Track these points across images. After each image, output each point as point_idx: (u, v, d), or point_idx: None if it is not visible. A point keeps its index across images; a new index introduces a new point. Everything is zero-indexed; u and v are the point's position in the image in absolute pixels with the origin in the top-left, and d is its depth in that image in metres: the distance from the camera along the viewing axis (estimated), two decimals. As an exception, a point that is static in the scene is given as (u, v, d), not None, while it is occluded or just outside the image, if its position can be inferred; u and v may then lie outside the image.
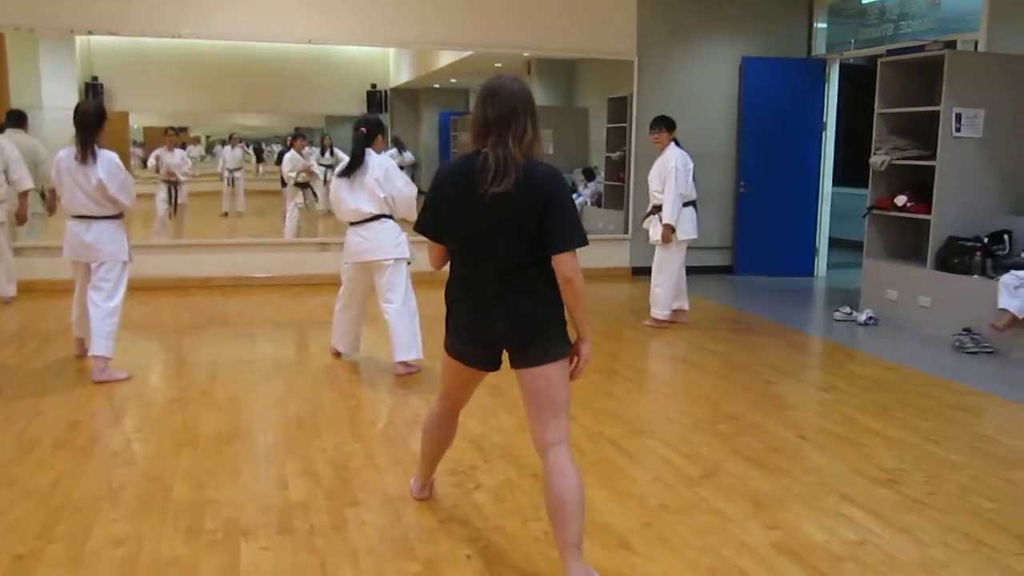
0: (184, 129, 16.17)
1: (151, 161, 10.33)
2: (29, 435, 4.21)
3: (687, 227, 6.87)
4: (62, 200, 5.22)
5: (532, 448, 2.88)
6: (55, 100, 12.23)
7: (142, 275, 7.75)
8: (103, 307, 5.17)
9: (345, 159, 5.49)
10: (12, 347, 5.95)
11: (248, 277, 8.62)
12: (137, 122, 12.80)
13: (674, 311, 7.00)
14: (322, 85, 10.84)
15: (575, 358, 2.84)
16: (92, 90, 12.16)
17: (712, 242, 9.36)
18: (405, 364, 5.38)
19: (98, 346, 5.13)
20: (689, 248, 7.02)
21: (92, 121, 5.03)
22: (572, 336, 2.82)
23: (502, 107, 2.68)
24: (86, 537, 3.13)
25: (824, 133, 9.68)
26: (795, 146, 9.63)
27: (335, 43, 9.22)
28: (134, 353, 5.86)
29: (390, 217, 5.35)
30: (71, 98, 12.11)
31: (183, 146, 11.43)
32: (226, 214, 11.30)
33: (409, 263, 5.46)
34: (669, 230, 6.77)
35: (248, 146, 12.26)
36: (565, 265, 2.68)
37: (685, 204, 6.82)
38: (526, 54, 9.78)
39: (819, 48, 9.69)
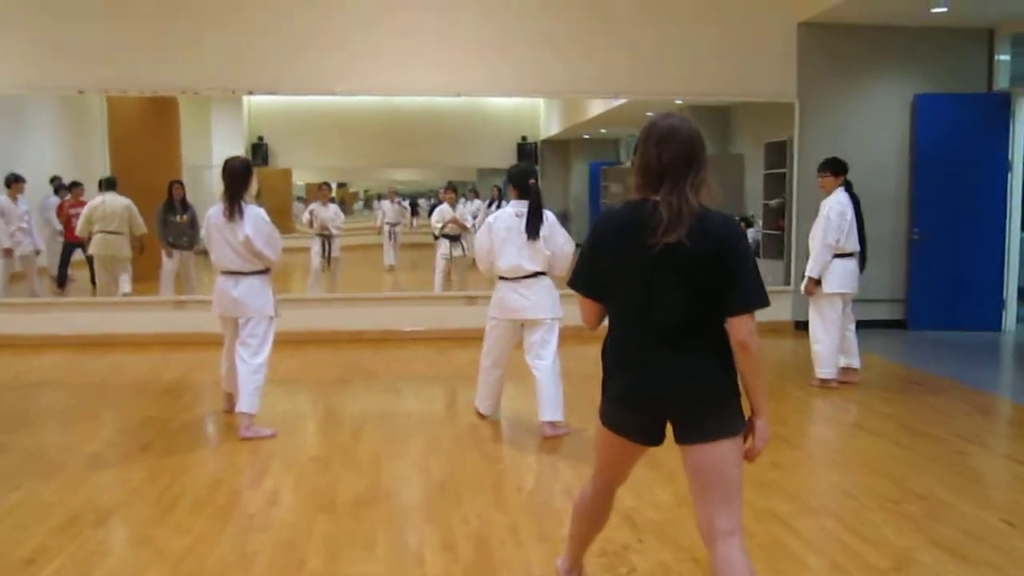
0: (344, 185, 16.75)
1: (305, 216, 10.55)
2: (172, 493, 4.15)
3: (840, 279, 6.26)
4: (212, 256, 5.25)
5: (691, 527, 2.52)
6: (224, 158, 12.88)
7: (294, 328, 7.86)
8: (250, 363, 5.14)
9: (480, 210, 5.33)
10: (166, 400, 6.04)
11: (397, 331, 8.57)
12: (300, 179, 13.26)
13: (843, 370, 6.40)
14: (473, 138, 10.90)
15: (749, 436, 2.48)
16: (257, 150, 12.72)
17: (883, 294, 8.64)
18: (553, 425, 5.08)
19: (244, 403, 5.10)
20: (856, 301, 6.42)
21: (239, 178, 5.07)
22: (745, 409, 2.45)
23: (680, 150, 2.38)
24: (214, 612, 2.97)
25: (1010, 173, 8.82)
26: (976, 188, 8.80)
27: (483, 95, 9.19)
28: (281, 408, 5.82)
29: (545, 273, 5.14)
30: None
31: (336, 201, 11.70)
32: (392, 267, 11.65)
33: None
34: (812, 283, 6.25)
35: (404, 200, 12.47)
36: (742, 328, 2.37)
37: (840, 255, 6.24)
38: (679, 100, 9.44)
39: (1001, 82, 8.87)
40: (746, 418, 2.48)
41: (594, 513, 2.93)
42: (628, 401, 2.54)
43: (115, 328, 8.28)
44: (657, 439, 2.59)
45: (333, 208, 10.65)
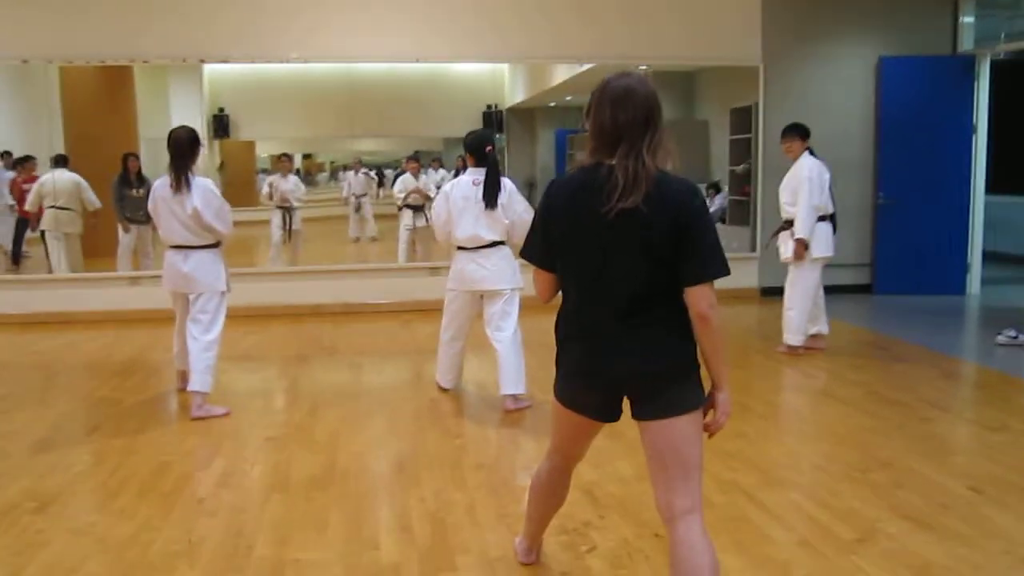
0: (309, 156, 16.47)
1: (265, 188, 10.31)
2: (118, 477, 3.99)
3: (822, 243, 6.21)
4: (160, 230, 5.04)
5: (653, 502, 2.40)
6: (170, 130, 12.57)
7: (254, 303, 7.69)
8: (201, 340, 4.97)
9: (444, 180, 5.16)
10: (118, 379, 5.84)
11: (359, 304, 8.40)
12: (264, 151, 12.99)
13: (811, 336, 6.34)
14: (438, 107, 10.67)
15: (710, 411, 2.38)
16: (218, 121, 12.42)
17: (849, 259, 8.58)
18: (515, 399, 4.97)
19: (196, 381, 4.93)
20: (825, 267, 6.35)
21: (185, 148, 4.86)
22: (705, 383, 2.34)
23: (636, 112, 2.24)
24: (155, 604, 2.83)
25: (974, 136, 8.77)
26: (941, 152, 8.74)
27: (443, 61, 8.96)
28: (237, 386, 5.66)
29: (504, 243, 5.00)
30: (199, 129, 12.43)
31: (300, 172, 11.45)
32: (357, 239, 11.39)
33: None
34: (802, 246, 6.13)
35: (371, 171, 12.26)
36: (702, 300, 2.25)
37: (820, 218, 6.17)
38: (643, 66, 9.29)
39: (966, 44, 8.80)
40: (706, 392, 2.37)
41: (551, 491, 2.83)
42: (582, 376, 2.43)
43: (70, 306, 8.04)
44: (614, 415, 2.48)
45: (293, 180, 10.42)
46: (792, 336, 6.29)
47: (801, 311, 6.25)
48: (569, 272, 2.40)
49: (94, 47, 8.12)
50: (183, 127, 5.00)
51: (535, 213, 2.49)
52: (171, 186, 4.85)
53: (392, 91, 10.29)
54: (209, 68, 11.12)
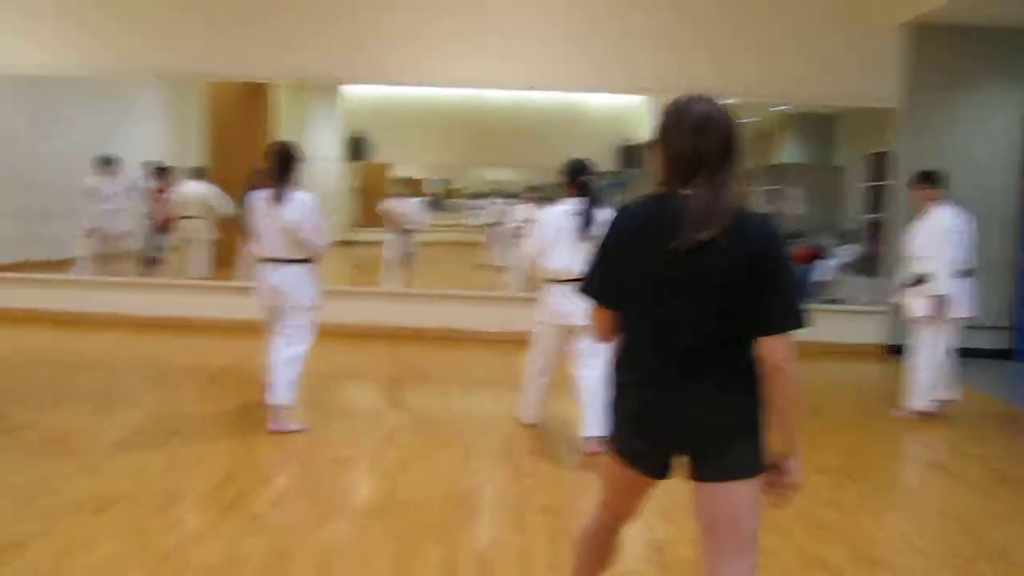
0: (448, 181, 16.72)
1: (385, 209, 10.45)
2: (180, 485, 3.99)
3: (962, 302, 5.68)
4: (257, 243, 5.08)
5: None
6: (321, 151, 12.98)
7: (357, 321, 7.74)
8: (285, 354, 4.96)
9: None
10: (211, 387, 5.93)
11: (462, 330, 8.31)
12: (403, 174, 13.25)
13: (936, 402, 5.81)
14: (572, 140, 10.52)
15: (779, 478, 2.16)
16: (357, 143, 12.75)
17: (987, 320, 7.89)
18: (596, 441, 4.72)
19: (276, 394, 4.92)
20: (961, 328, 5.81)
21: (285, 162, 4.89)
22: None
23: (716, 139, 2.07)
24: (177, 621, 2.75)
25: None
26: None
27: (568, 89, 8.77)
28: (322, 402, 5.63)
29: None
30: (335, 150, 12.82)
31: (434, 196, 11.54)
32: (481, 266, 11.31)
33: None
34: (940, 303, 5.62)
35: (505, 200, 12.15)
36: (777, 351, 2.04)
37: (961, 274, 5.65)
38: (784, 105, 8.93)
39: None
40: (769, 457, 2.13)
41: (597, 550, 2.60)
42: (635, 427, 2.21)
43: (187, 311, 8.29)
44: (661, 471, 2.26)
45: (412, 203, 10.51)
46: (915, 400, 5.79)
47: (928, 373, 5.74)
48: (632, 311, 2.18)
49: (237, 65, 8.35)
50: (284, 141, 5.04)
51: (599, 245, 2.27)
52: (269, 198, 4.89)
53: (524, 120, 10.24)
54: (348, 90, 11.41)
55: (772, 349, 2.04)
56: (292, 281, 4.98)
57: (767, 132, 11.51)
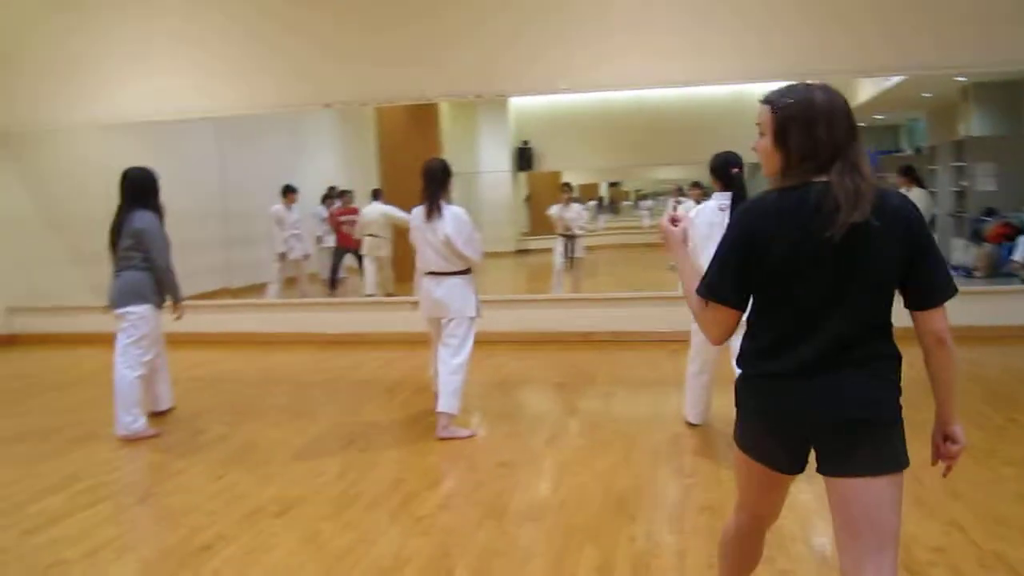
0: (616, 184, 16.74)
1: (552, 215, 10.59)
2: (354, 490, 4.22)
3: None
4: (417, 258, 5.30)
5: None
6: (490, 164, 13.35)
7: (527, 329, 7.90)
8: (450, 363, 5.14)
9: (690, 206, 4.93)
10: (384, 398, 6.23)
11: (629, 332, 8.29)
12: (571, 180, 13.43)
13: None
14: (738, 133, 10.29)
15: (946, 444, 2.18)
16: (522, 153, 13.02)
17: None
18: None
19: (443, 403, 5.11)
20: None
21: (437, 178, 5.07)
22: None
23: (846, 124, 2.07)
24: (344, 616, 2.93)
25: None
26: None
27: (725, 82, 8.52)
28: (490, 408, 5.80)
29: None
30: (504, 162, 13.10)
31: (600, 201, 11.57)
32: (670, 267, 11.14)
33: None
34: None
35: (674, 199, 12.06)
36: (940, 322, 2.08)
37: None
38: (961, 78, 8.37)
39: None
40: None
41: (740, 552, 2.55)
42: (773, 419, 2.15)
43: (370, 327, 8.64)
44: (797, 466, 2.20)
45: (576, 208, 10.59)
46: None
47: None
48: (775, 304, 2.12)
49: (404, 87, 8.53)
50: (436, 159, 5.24)
51: (722, 244, 2.18)
52: (424, 214, 5.09)
53: (691, 117, 10.13)
54: (515, 102, 11.64)
55: (935, 321, 2.06)
56: (454, 293, 5.16)
57: (947, 107, 10.81)
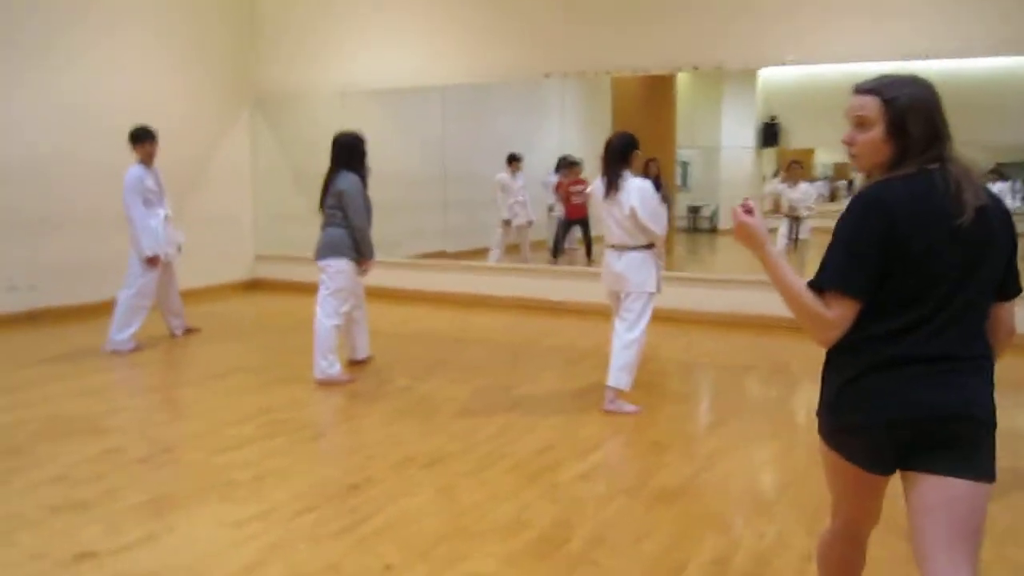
0: (844, 163, 15.68)
1: (768, 195, 10.15)
2: (504, 451, 4.37)
3: None
4: (605, 230, 5.30)
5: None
6: (733, 139, 13.00)
7: (727, 310, 7.69)
8: (623, 337, 5.13)
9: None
10: (566, 366, 6.32)
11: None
12: (823, 159, 12.87)
13: None
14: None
15: None
16: (768, 129, 12.56)
17: None
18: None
19: (612, 376, 5.11)
20: None
21: (616, 153, 5.05)
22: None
23: (944, 114, 2.04)
24: (453, 565, 3.07)
25: None
26: None
27: (970, 56, 7.66)
28: (663, 388, 5.73)
29: None
30: (749, 137, 12.71)
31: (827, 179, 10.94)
32: None
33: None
34: None
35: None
36: (1013, 315, 2.12)
37: None
38: None
39: None
40: None
41: (838, 562, 2.41)
42: (880, 413, 1.99)
43: (575, 296, 8.71)
44: (890, 466, 2.08)
45: (803, 188, 10.05)
46: None
47: None
48: (903, 293, 1.98)
49: (646, 57, 8.54)
50: (621, 133, 5.21)
51: (848, 231, 2.02)
52: (604, 189, 5.08)
53: (961, 92, 9.09)
54: (764, 74, 11.20)
55: (1011, 314, 2.10)
56: (634, 267, 5.13)
57: None
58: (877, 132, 2.01)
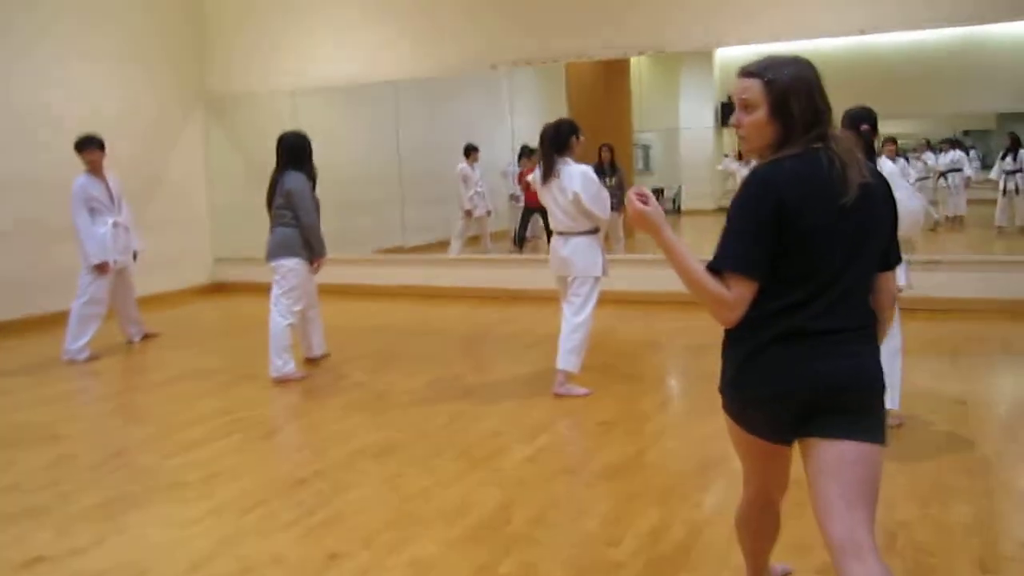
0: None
1: (721, 172, 10.24)
2: (453, 439, 4.45)
3: None
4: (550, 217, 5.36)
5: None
6: (691, 121, 13.07)
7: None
8: (571, 321, 5.21)
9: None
10: (521, 352, 6.39)
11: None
12: None
13: None
14: (972, 82, 9.26)
15: None
16: (726, 108, 12.65)
17: None
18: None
19: (560, 359, 5.18)
20: None
21: (551, 141, 5.12)
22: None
23: (824, 94, 2.13)
24: (395, 551, 3.14)
25: None
26: None
27: (961, 24, 7.51)
28: (617, 369, 5.80)
29: None
30: (708, 118, 12.76)
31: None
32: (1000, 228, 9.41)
33: (900, 290, 4.44)
34: None
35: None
36: (894, 283, 2.23)
37: None
38: None
39: None
40: None
41: (753, 526, 2.55)
42: (773, 385, 2.08)
43: (532, 284, 8.75)
44: (788, 434, 2.17)
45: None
46: None
47: None
48: (793, 270, 2.05)
49: (594, 43, 8.54)
50: (560, 120, 5.25)
51: (741, 214, 2.09)
52: (544, 174, 5.15)
53: (917, 65, 8.95)
54: (720, 55, 11.20)
55: (894, 282, 2.21)
56: (580, 252, 5.20)
57: None
58: (761, 114, 2.08)
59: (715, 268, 2.07)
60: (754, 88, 2.09)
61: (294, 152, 5.81)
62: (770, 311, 2.07)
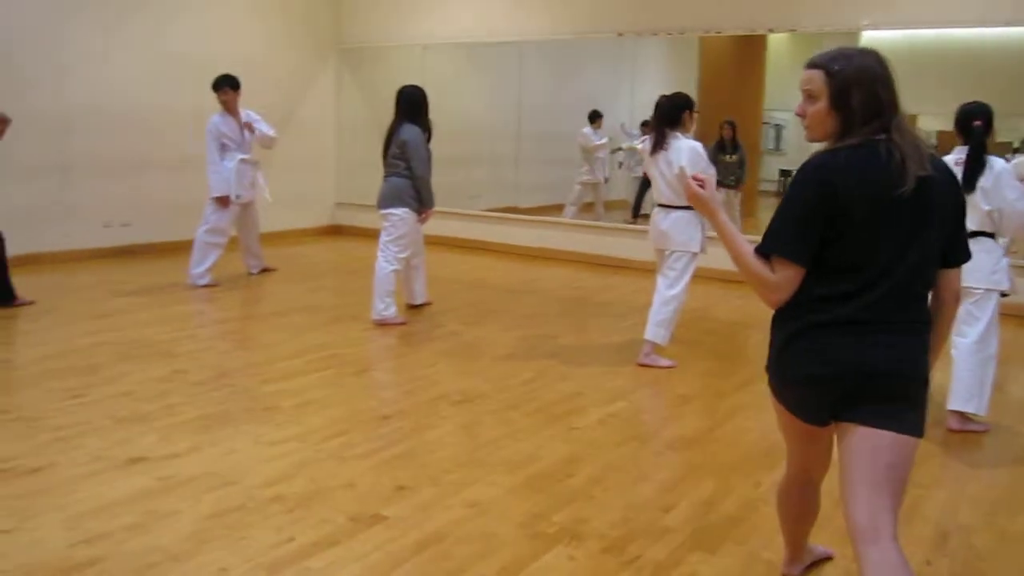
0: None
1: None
2: (533, 395, 4.60)
3: None
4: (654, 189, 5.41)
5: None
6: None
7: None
8: (663, 294, 5.27)
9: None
10: (614, 320, 6.46)
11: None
12: (928, 125, 12.49)
13: None
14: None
15: None
16: None
17: None
18: (962, 417, 4.27)
19: (649, 330, 5.26)
20: None
21: (664, 114, 5.13)
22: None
23: (894, 87, 2.13)
24: (459, 490, 3.33)
25: None
26: None
27: None
28: (706, 345, 5.83)
29: (990, 235, 4.26)
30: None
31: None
32: None
33: (1005, 295, 4.33)
34: None
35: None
36: (959, 281, 2.24)
37: None
38: None
39: None
40: None
41: (793, 505, 2.63)
42: (810, 369, 2.14)
43: (632, 253, 8.77)
44: (826, 417, 2.23)
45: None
46: None
47: None
48: (844, 260, 2.09)
49: (735, 16, 8.48)
50: (670, 94, 5.23)
51: (793, 200, 2.13)
52: (653, 146, 5.19)
53: None
54: (868, 36, 10.74)
55: (957, 280, 2.21)
56: (679, 226, 5.24)
57: None
58: (822, 104, 2.12)
59: (762, 251, 2.15)
60: (817, 79, 2.13)
61: (411, 105, 6.01)
62: (816, 296, 2.12)
